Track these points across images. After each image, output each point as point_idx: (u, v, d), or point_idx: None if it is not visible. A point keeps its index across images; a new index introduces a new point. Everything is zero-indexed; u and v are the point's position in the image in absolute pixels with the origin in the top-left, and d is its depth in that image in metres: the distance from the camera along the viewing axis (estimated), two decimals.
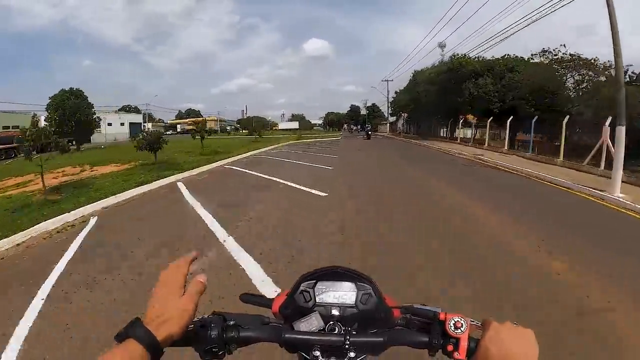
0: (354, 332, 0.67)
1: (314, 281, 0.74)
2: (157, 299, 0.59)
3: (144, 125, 56.87)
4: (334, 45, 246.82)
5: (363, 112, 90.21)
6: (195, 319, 0.64)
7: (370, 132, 39.98)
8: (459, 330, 0.63)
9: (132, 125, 54.33)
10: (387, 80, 60.63)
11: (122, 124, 54.76)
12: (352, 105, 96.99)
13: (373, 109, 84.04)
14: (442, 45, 46.62)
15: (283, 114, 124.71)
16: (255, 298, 0.88)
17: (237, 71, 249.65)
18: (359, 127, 58.02)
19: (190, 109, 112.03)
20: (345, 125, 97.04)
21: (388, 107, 56.40)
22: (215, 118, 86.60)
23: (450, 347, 0.63)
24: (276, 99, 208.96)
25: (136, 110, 73.49)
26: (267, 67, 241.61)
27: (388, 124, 65.74)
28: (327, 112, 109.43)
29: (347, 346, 0.64)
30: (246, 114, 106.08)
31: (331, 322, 0.69)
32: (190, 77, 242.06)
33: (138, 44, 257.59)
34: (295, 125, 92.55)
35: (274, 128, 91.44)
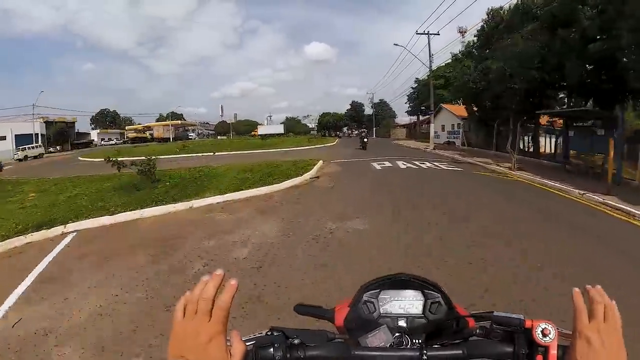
0: (431, 346, 0.63)
1: (377, 290, 0.71)
2: (181, 337, 0.51)
3: (42, 136, 38.12)
4: (336, 48, 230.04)
5: (368, 111, 71.35)
6: (253, 336, 0.61)
7: (367, 139, 26.29)
8: (548, 338, 0.57)
9: (20, 137, 35.53)
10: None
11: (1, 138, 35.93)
12: (353, 102, 77.52)
13: (381, 107, 64.81)
14: (462, 31, 37.73)
15: (270, 116, 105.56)
16: (311, 309, 0.80)
17: (238, 75, 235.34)
18: (363, 132, 39.51)
19: (172, 112, 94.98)
20: (345, 130, 77.61)
21: (432, 94, 36.86)
22: (168, 123, 66.86)
23: (539, 358, 0.57)
24: (277, 103, 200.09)
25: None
26: (268, 70, 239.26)
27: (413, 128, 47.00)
28: (323, 112, 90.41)
29: None
30: (236, 118, 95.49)
31: (398, 335, 0.65)
32: (191, 80, 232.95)
33: (138, 47, 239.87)
34: (279, 129, 73.56)
35: (252, 133, 73.01)
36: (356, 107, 74.57)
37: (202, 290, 0.52)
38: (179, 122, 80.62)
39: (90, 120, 74.19)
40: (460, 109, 32.17)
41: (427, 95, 46.66)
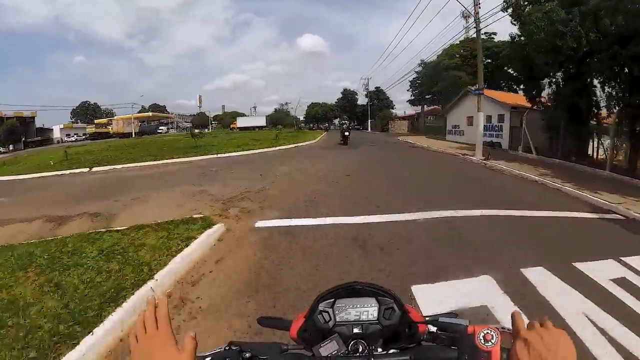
0: (378, 350, 0.66)
1: (332, 300, 0.71)
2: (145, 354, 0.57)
3: None
4: (328, 40, 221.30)
5: (361, 101, 61.32)
6: (209, 352, 0.63)
7: (349, 132, 21.52)
8: (490, 343, 0.59)
9: None
10: None
11: None
12: (344, 90, 66.98)
13: (377, 95, 54.76)
14: (466, 16, 27.57)
15: (254, 107, 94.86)
16: (273, 321, 0.84)
17: (230, 67, 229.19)
18: (344, 124, 30.28)
19: (155, 103, 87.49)
20: (336, 122, 67.39)
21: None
22: (130, 116, 56.05)
23: None
24: (268, 96, 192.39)
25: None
26: (260, 63, 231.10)
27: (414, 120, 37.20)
28: (311, 103, 79.99)
29: None
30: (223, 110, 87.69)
31: (354, 341, 0.67)
32: (183, 73, 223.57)
33: (131, 40, 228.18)
34: (260, 121, 63.34)
35: (231, 125, 65.07)
36: (348, 96, 64.41)
37: (144, 316, 0.59)
38: (150, 114, 70.78)
39: (71, 113, 69.84)
40: (506, 96, 22.33)
41: (435, 81, 37.51)
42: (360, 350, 0.66)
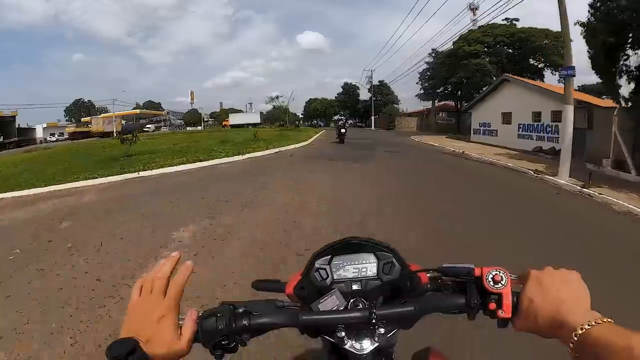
0: (380, 305, 0.62)
1: (329, 257, 0.69)
2: (135, 316, 0.52)
3: None
4: (329, 37, 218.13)
5: (364, 96, 56.21)
6: (202, 312, 0.59)
7: (345, 129, 19.30)
8: (500, 285, 0.55)
9: None
10: None
11: None
12: (345, 84, 61.18)
13: (381, 90, 49.76)
14: (473, 8, 31.72)
15: (250, 104, 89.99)
16: (268, 284, 0.82)
17: (230, 64, 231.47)
18: (340, 121, 25.92)
19: (149, 100, 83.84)
20: (337, 118, 62.26)
21: None
22: (112, 115, 51.56)
23: (492, 305, 0.55)
24: (269, 93, 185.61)
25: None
26: (260, 60, 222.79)
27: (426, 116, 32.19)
28: (310, 98, 74.88)
29: (374, 321, 0.58)
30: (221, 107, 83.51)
31: (354, 299, 0.64)
32: (182, 70, 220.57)
33: (129, 37, 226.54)
34: (254, 117, 58.54)
35: (223, 123, 61.50)
36: (349, 90, 59.23)
37: (158, 270, 0.54)
38: (137, 111, 67.31)
39: (64, 111, 67.98)
40: (550, 87, 17.33)
41: (451, 71, 32.36)
42: (360, 307, 0.62)
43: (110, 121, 48.18)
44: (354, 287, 0.65)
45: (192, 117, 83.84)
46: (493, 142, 18.79)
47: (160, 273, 0.54)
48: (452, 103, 41.16)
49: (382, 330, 0.59)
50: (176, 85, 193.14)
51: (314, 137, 23.44)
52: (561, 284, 0.52)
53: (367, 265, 0.67)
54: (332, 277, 0.66)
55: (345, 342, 0.60)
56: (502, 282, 0.55)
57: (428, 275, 0.68)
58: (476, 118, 21.62)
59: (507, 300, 0.54)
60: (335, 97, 62.51)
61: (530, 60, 29.34)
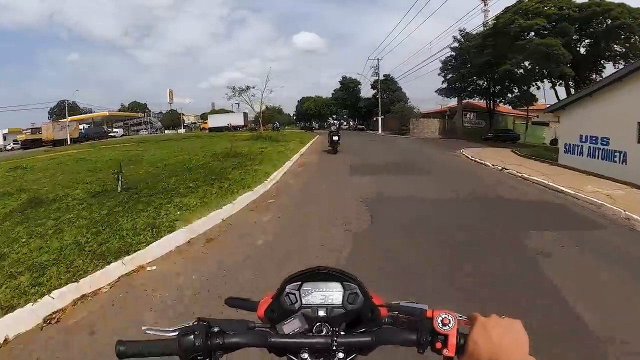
0: (341, 333, 0.68)
1: (300, 282, 0.74)
2: None
3: None
4: (325, 37, 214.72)
5: (366, 93, 47.42)
6: (178, 327, 0.64)
7: (338, 136, 15.21)
8: (447, 327, 0.62)
9: None
10: None
11: None
12: (344, 79, 50.85)
13: (387, 86, 40.99)
14: None
15: (238, 104, 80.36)
16: (241, 302, 0.85)
17: (225, 65, 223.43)
18: (333, 125, 19.41)
19: (135, 101, 77.73)
20: (332, 120, 53.29)
21: None
22: (64, 121, 42.65)
23: (438, 345, 0.62)
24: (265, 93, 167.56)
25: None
26: (255, 60, 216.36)
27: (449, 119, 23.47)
28: (302, 97, 65.74)
29: (334, 347, 0.64)
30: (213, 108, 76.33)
31: (318, 324, 0.69)
32: (177, 70, 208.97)
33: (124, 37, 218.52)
34: (236, 119, 49.50)
35: (202, 126, 55.61)
36: (348, 86, 50.19)
37: None
38: (106, 113, 60.80)
39: (48, 112, 64.79)
40: None
41: (495, 56, 20.96)
42: (324, 332, 0.68)
43: (62, 127, 40.80)
44: (320, 313, 0.70)
45: (172, 119, 74.66)
46: (614, 172, 10.33)
47: None
48: (477, 101, 32.84)
49: (341, 355, 0.64)
50: (171, 86, 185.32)
51: (295, 157, 14.42)
52: (504, 331, 0.57)
53: (333, 294, 0.72)
54: (301, 302, 0.71)
55: None
56: (450, 325, 0.61)
57: (388, 309, 0.72)
58: (570, 127, 13.03)
59: (452, 341, 0.61)
60: (332, 93, 53.48)
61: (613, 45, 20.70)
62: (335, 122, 23.03)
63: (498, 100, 30.92)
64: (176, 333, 0.62)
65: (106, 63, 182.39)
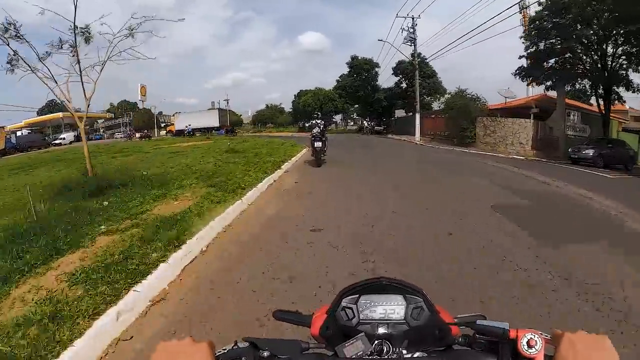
0: (407, 355, 0.61)
1: (357, 296, 0.67)
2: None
3: None
4: (330, 38, 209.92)
5: (384, 79, 33.74)
6: (222, 350, 0.59)
7: (322, 141, 9.65)
8: (534, 350, 0.55)
9: None
10: None
11: None
12: (354, 59, 35.71)
13: (421, 68, 27.06)
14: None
15: (227, 100, 68.05)
16: (290, 315, 0.77)
17: (229, 65, 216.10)
18: (315, 123, 10.44)
19: (124, 100, 70.44)
20: (336, 118, 39.57)
21: None
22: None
23: None
24: (269, 94, 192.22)
25: None
26: (260, 61, 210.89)
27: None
28: (300, 90, 52.32)
29: None
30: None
31: (378, 342, 0.62)
32: (182, 71, 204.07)
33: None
34: (209, 119, 37.46)
35: (168, 128, 48.21)
36: (361, 67, 35.43)
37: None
38: (59, 115, 50.36)
39: (37, 113, 59.94)
40: None
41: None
42: (385, 351, 0.62)
43: None
44: (380, 329, 0.64)
45: (144, 121, 61.23)
46: None
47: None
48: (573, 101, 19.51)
49: None
50: (175, 86, 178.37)
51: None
52: (593, 349, 0.52)
53: (395, 307, 0.65)
54: (359, 318, 0.65)
55: None
56: (536, 347, 0.55)
57: (460, 327, 0.66)
58: None
59: None
60: (337, 81, 39.37)
61: None
62: (319, 121, 10.29)
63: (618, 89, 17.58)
64: (222, 355, 0.55)
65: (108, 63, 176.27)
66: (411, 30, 23.10)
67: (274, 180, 7.13)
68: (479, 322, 0.61)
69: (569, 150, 14.46)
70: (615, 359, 0.51)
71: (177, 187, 5.89)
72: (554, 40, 17.44)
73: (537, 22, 17.91)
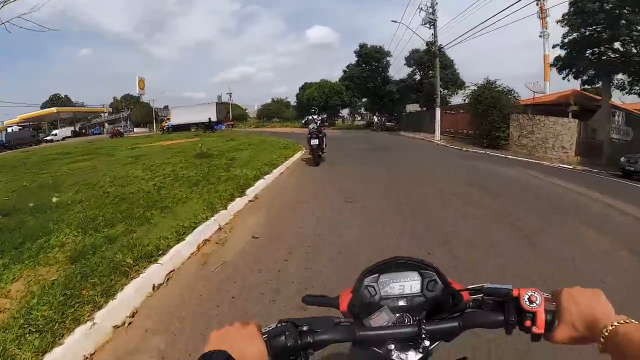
0: (424, 320, 0.67)
1: (377, 275, 0.75)
2: (227, 337, 0.58)
3: None
4: (338, 32, 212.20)
5: (397, 71, 32.04)
6: (268, 327, 0.65)
7: (321, 140, 9.35)
8: (535, 304, 0.62)
9: None
10: None
11: None
12: (362, 48, 32.23)
13: (436, 54, 24.56)
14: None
15: (230, 94, 66.67)
16: (318, 299, 0.83)
17: (238, 59, 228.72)
18: (312, 119, 9.64)
19: (127, 94, 69.27)
20: (344, 113, 37.25)
21: None
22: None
23: (527, 322, 0.62)
24: (277, 88, 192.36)
25: None
26: (268, 55, 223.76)
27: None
28: (304, 83, 50.09)
29: (423, 335, 0.65)
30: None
31: (399, 314, 0.71)
32: (190, 65, 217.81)
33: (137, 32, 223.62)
34: (205, 113, 35.44)
35: (163, 124, 44.34)
36: (371, 56, 32.37)
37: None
38: (54, 110, 51.26)
39: (40, 108, 58.68)
40: None
41: None
42: (406, 322, 0.69)
43: None
44: (400, 303, 0.72)
45: (142, 115, 59.58)
46: None
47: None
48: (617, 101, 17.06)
49: (427, 343, 0.65)
50: (182, 80, 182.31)
51: None
52: (591, 296, 0.60)
53: (411, 283, 0.74)
54: (380, 294, 0.73)
55: (393, 353, 0.66)
56: (537, 302, 0.62)
57: (469, 293, 0.72)
58: None
59: (541, 318, 0.61)
60: (344, 71, 36.91)
61: None
62: (316, 117, 10.38)
63: None
64: (265, 334, 0.61)
65: (116, 57, 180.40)
66: (430, 10, 20.53)
67: (220, 227, 4.37)
68: (485, 286, 0.68)
69: (622, 159, 12.08)
70: (610, 308, 0.58)
71: (30, 255, 3.43)
72: (599, 27, 15.05)
73: (579, 3, 15.50)
